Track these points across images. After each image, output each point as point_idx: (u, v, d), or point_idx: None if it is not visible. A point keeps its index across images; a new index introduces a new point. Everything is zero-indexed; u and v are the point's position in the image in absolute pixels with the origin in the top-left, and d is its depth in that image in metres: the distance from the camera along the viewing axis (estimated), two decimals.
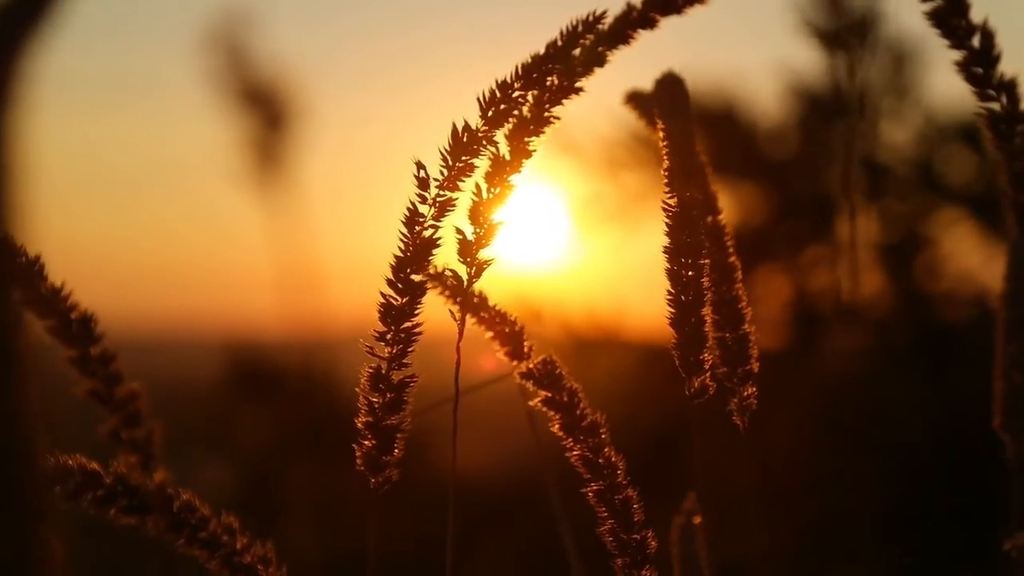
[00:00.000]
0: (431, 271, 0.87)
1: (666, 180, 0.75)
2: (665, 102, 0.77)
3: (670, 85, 0.77)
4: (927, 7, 0.75)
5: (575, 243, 4.16)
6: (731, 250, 0.80)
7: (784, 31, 3.84)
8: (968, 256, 3.98)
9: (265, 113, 0.64)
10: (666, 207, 0.75)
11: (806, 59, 3.91)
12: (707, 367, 0.76)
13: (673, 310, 0.75)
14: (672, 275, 0.75)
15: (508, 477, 3.84)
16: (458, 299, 0.82)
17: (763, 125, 4.02)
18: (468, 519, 3.62)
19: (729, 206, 4.08)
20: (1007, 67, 0.77)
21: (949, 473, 3.43)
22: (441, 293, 0.88)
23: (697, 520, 0.87)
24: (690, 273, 0.75)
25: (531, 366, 0.75)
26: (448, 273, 0.84)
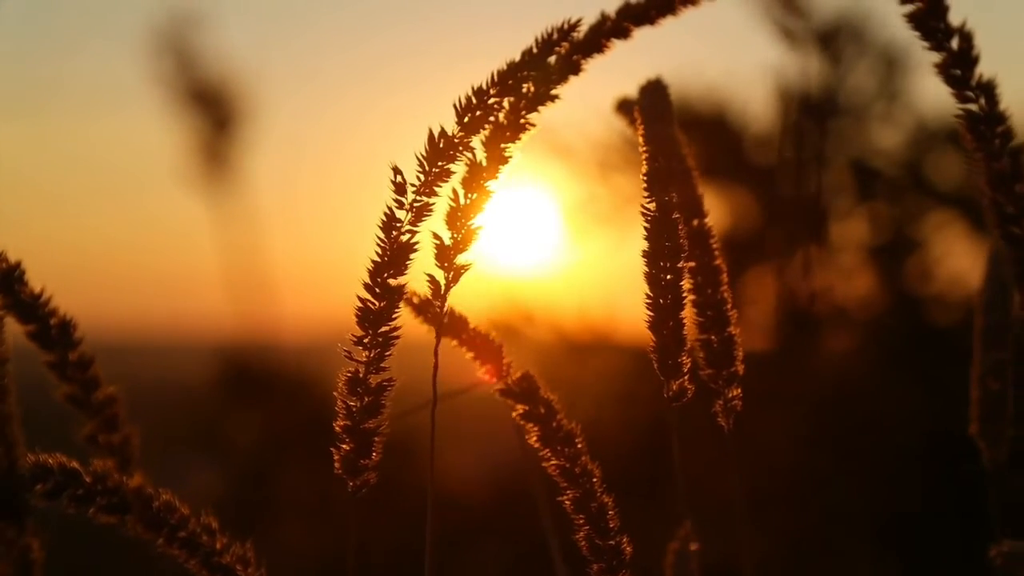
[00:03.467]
0: (411, 300, 0.89)
1: (645, 184, 0.76)
2: (647, 108, 0.77)
3: (652, 91, 0.78)
4: (905, 10, 0.76)
5: (567, 246, 4.17)
6: (716, 253, 0.81)
7: (771, 35, 3.85)
8: (959, 259, 3.99)
9: (213, 114, 0.65)
10: (644, 211, 0.76)
11: (790, 63, 3.92)
12: (685, 370, 0.76)
13: (652, 313, 0.76)
14: (651, 278, 0.76)
15: (498, 479, 3.85)
16: (435, 320, 0.83)
17: (751, 129, 4.03)
18: (457, 522, 3.63)
19: (720, 210, 4.09)
20: (986, 68, 0.78)
21: (941, 476, 3.43)
22: (423, 321, 0.89)
23: (694, 547, 0.88)
24: (669, 277, 0.75)
25: (509, 382, 0.77)
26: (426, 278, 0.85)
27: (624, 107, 0.91)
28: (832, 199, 4.00)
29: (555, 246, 4.10)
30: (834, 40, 3.93)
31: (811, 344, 3.96)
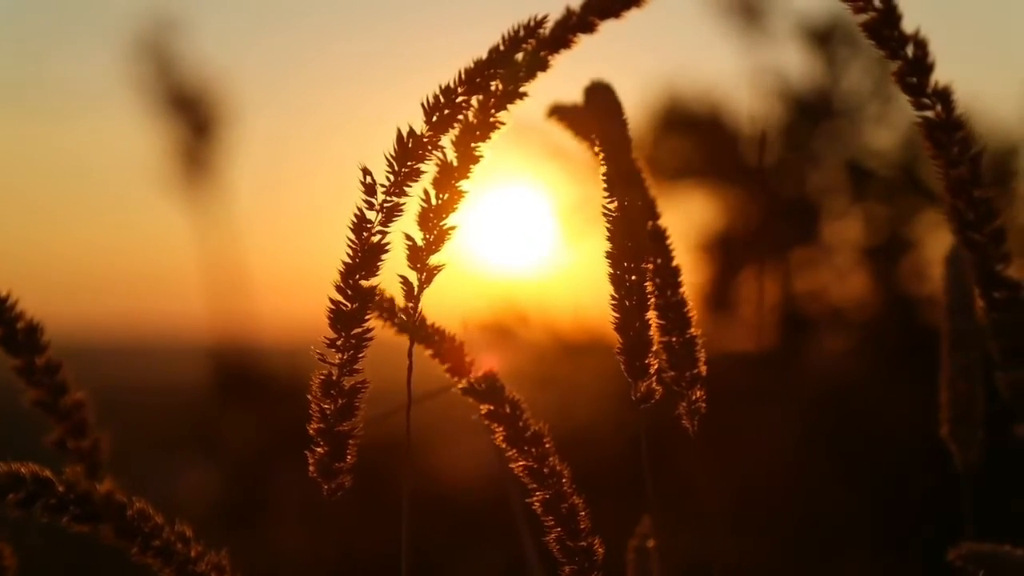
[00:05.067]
0: (380, 304, 0.88)
1: (605, 186, 0.75)
2: (598, 109, 0.77)
3: (600, 92, 0.77)
4: (860, 19, 0.76)
5: (561, 247, 4.17)
6: (674, 254, 0.80)
7: (756, 37, 3.85)
8: None
9: (192, 118, 0.64)
10: (606, 212, 0.75)
11: (782, 64, 3.93)
12: (653, 371, 0.76)
13: (617, 315, 0.76)
14: (615, 280, 0.75)
15: (493, 478, 3.85)
16: (414, 306, 0.82)
17: (745, 130, 4.03)
18: (453, 521, 3.62)
19: (714, 211, 4.08)
20: (944, 74, 0.78)
21: (935, 475, 3.43)
22: (385, 321, 0.89)
23: (651, 544, 0.88)
24: (633, 277, 0.75)
25: (472, 381, 0.75)
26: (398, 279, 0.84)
27: (559, 112, 0.89)
28: (827, 200, 3.99)
29: (550, 248, 4.10)
30: (828, 42, 3.93)
31: (805, 344, 3.95)
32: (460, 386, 0.75)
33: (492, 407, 0.74)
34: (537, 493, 0.75)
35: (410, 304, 0.80)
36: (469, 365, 0.89)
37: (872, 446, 3.59)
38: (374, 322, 0.77)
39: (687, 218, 4.09)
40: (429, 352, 0.90)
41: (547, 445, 0.75)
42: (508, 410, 0.74)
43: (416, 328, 0.89)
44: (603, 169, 0.75)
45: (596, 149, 0.76)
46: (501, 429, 0.75)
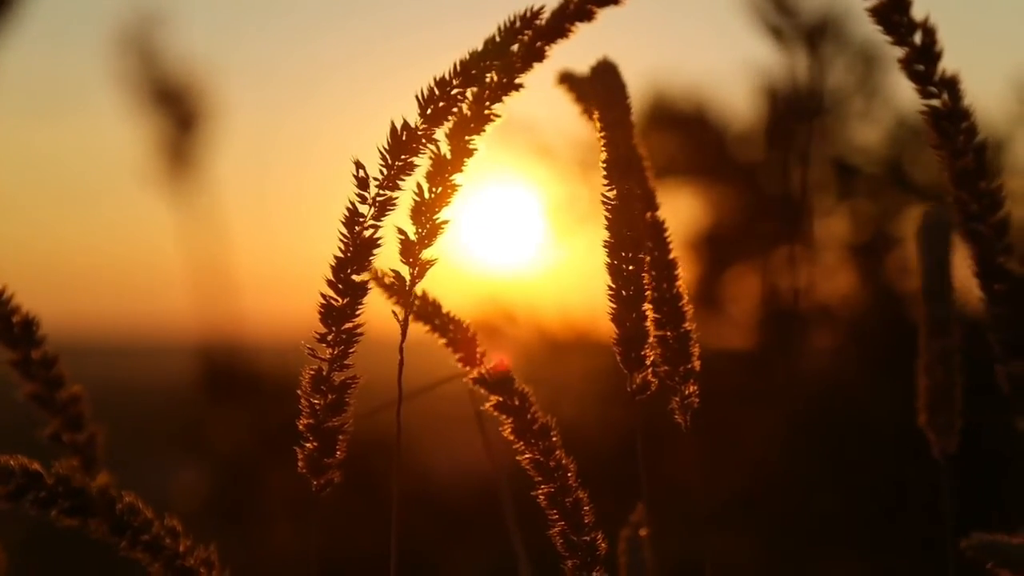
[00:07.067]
0: (379, 277, 0.87)
1: (604, 173, 0.75)
2: (601, 92, 0.76)
3: (605, 73, 0.77)
4: (869, 3, 0.75)
5: (550, 245, 4.17)
6: (671, 247, 0.80)
7: (752, 32, 3.86)
8: None
9: (177, 113, 0.64)
10: (605, 200, 0.75)
11: (776, 61, 3.93)
12: (648, 363, 0.75)
13: (614, 305, 0.75)
14: (612, 270, 0.75)
15: (476, 476, 3.85)
16: (403, 301, 0.82)
17: (734, 126, 4.03)
18: (442, 519, 3.62)
19: (703, 207, 4.09)
20: (950, 63, 0.77)
21: (924, 472, 3.43)
22: (389, 297, 0.88)
23: (643, 532, 0.87)
24: (630, 267, 0.74)
25: (482, 371, 0.75)
26: (391, 274, 0.84)
27: (568, 81, 0.87)
28: (814, 197, 4.00)
29: (538, 245, 4.10)
30: (818, 38, 3.93)
31: (794, 341, 3.96)
32: (471, 376, 0.75)
33: (502, 398, 0.74)
34: (542, 486, 0.75)
35: (405, 300, 0.79)
36: (481, 356, 0.88)
37: (860, 442, 3.60)
38: (373, 315, 0.77)
39: (673, 215, 4.09)
40: (443, 341, 0.89)
41: (554, 438, 0.75)
42: (517, 402, 0.74)
43: (421, 312, 0.88)
44: (603, 156, 0.75)
45: (597, 133, 0.76)
46: (509, 421, 0.74)
